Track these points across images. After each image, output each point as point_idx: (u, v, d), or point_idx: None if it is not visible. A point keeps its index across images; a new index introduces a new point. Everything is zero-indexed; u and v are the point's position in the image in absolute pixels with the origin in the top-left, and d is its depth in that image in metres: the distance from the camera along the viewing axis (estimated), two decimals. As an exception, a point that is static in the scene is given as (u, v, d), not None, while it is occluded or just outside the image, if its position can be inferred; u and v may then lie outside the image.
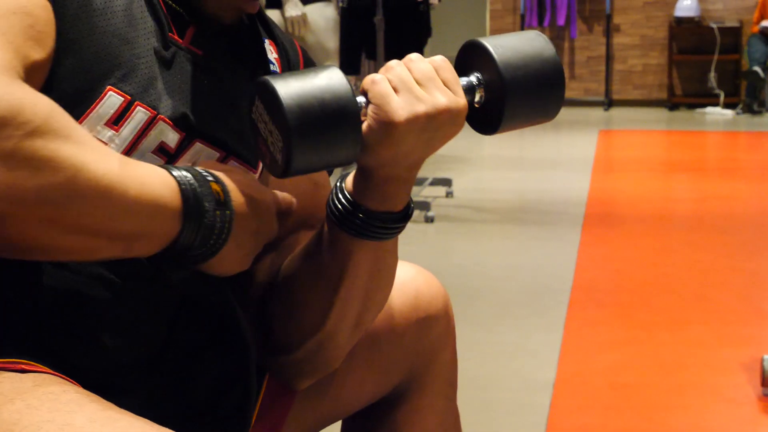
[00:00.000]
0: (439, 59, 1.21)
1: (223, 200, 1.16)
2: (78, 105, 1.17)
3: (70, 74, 1.17)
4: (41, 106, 1.02)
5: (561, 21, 12.30)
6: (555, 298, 4.25)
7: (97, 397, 1.11)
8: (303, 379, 1.40)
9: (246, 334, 1.35)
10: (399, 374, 1.48)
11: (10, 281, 1.13)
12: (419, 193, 6.42)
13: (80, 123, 1.16)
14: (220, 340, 1.33)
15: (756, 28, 11.59)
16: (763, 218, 6.03)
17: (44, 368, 1.14)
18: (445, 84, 1.19)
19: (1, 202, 0.98)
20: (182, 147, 1.26)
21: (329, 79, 1.13)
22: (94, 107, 1.19)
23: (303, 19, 5.97)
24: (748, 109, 11.51)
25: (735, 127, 10.84)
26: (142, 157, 1.22)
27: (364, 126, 1.16)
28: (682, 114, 11.78)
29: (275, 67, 1.41)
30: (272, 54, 1.42)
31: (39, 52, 1.12)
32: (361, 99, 1.17)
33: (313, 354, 1.35)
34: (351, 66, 6.33)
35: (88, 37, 1.19)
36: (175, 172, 1.14)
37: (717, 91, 11.94)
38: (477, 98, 1.23)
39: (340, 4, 6.28)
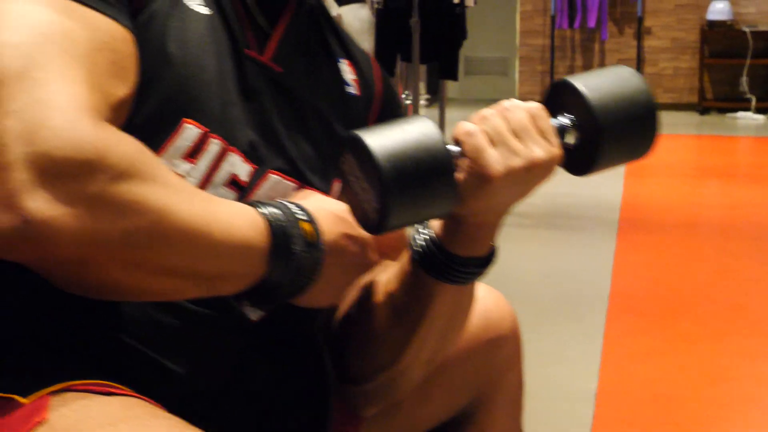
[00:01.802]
0: (536, 107, 1.18)
1: (313, 238, 1.14)
2: (156, 137, 1.16)
3: (149, 107, 1.16)
4: (127, 148, 1.00)
5: (592, 23, 12.23)
6: (592, 305, 4.23)
7: (183, 422, 1.10)
8: (371, 408, 1.40)
9: (326, 363, 1.34)
10: (467, 395, 1.47)
11: (92, 306, 1.11)
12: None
13: (158, 156, 1.14)
14: (296, 368, 1.32)
15: (789, 32, 11.54)
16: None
17: (130, 391, 1.13)
18: (540, 133, 1.16)
19: (86, 247, 0.97)
20: (255, 179, 1.25)
21: (423, 135, 1.11)
22: (171, 140, 1.18)
23: (338, 20, 5.96)
24: (780, 114, 11.46)
25: (767, 132, 10.76)
26: (215, 191, 1.21)
27: (459, 178, 1.13)
28: (712, 118, 11.71)
29: (353, 88, 1.40)
30: (350, 75, 1.41)
31: (123, 89, 1.10)
32: (454, 148, 1.14)
33: (384, 387, 1.35)
34: (386, 66, 6.30)
35: (166, 67, 1.18)
36: (264, 210, 1.12)
37: (749, 95, 11.86)
38: (570, 141, 1.21)
39: (375, 6, 6.26)
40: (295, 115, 1.30)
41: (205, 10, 1.24)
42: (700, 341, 3.85)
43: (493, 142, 1.14)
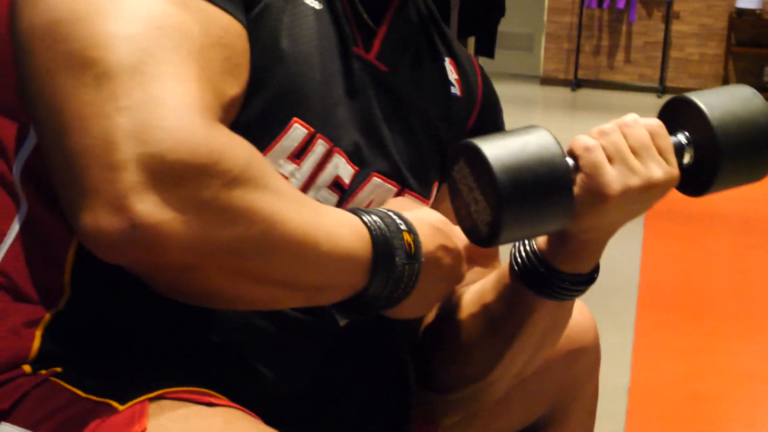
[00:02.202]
0: (656, 125, 1.15)
1: (413, 252, 1.12)
2: (264, 136, 1.14)
3: (258, 105, 1.13)
4: (240, 152, 0.97)
5: (621, 4, 12.15)
6: (622, 298, 4.20)
7: None
8: (452, 417, 1.39)
9: (409, 370, 1.32)
10: (545, 405, 1.46)
11: (187, 309, 1.08)
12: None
13: (264, 155, 1.11)
14: (378, 374, 1.31)
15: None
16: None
17: (229, 401, 1.11)
18: (659, 152, 1.13)
19: (194, 254, 0.94)
20: (357, 181, 1.23)
21: (542, 148, 1.07)
22: (279, 139, 1.15)
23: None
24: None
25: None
26: (317, 193, 1.19)
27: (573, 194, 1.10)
28: (736, 107, 11.64)
29: (455, 89, 1.37)
30: (452, 74, 1.38)
31: (235, 87, 1.06)
32: (569, 161, 1.11)
33: (469, 398, 1.35)
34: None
35: (277, 65, 1.15)
36: (367, 219, 1.10)
37: (774, 85, 11.82)
38: (686, 160, 1.18)
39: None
40: (399, 116, 1.28)
41: (316, 5, 1.21)
42: (732, 339, 3.84)
43: (611, 159, 1.11)
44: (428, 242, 1.15)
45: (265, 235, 0.98)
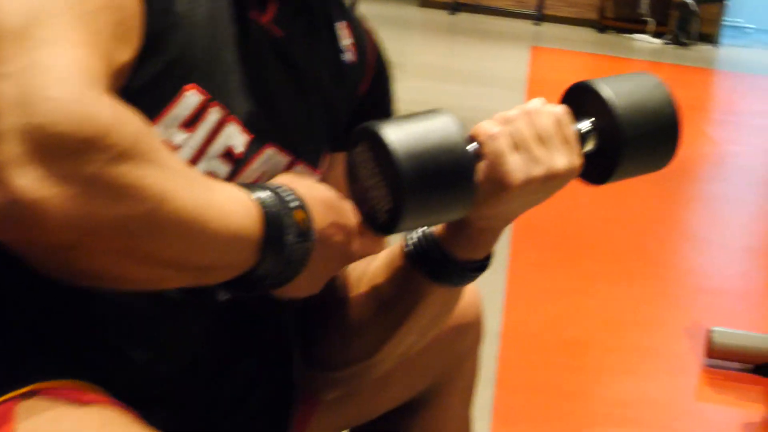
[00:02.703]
0: (561, 112, 1.13)
1: (305, 231, 1.09)
2: (154, 104, 1.09)
3: (150, 70, 1.08)
4: (130, 126, 0.93)
5: (502, -72, 12.19)
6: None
7: None
8: (333, 392, 1.37)
9: (291, 347, 1.30)
10: (426, 380, 1.46)
11: (58, 292, 1.04)
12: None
13: (154, 124, 1.07)
14: (259, 351, 1.28)
15: (693, -43, 11.61)
16: (687, 163, 6.04)
17: (104, 397, 1.07)
18: (563, 141, 1.12)
19: (77, 232, 0.90)
20: (251, 151, 1.18)
21: (446, 135, 1.04)
22: (171, 107, 1.10)
23: None
24: (676, 41, 11.57)
25: (661, 57, 10.88)
26: (209, 163, 1.15)
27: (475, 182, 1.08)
28: (610, 37, 11.79)
29: (349, 54, 1.33)
30: (346, 39, 1.33)
31: (126, 53, 1.02)
32: (472, 146, 1.08)
33: (353, 376, 1.33)
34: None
35: (172, 29, 1.10)
36: (260, 195, 1.06)
37: (647, 18, 11.96)
38: (588, 147, 1.16)
39: None
40: (294, 83, 1.24)
41: None
42: (603, 283, 3.90)
43: (515, 147, 1.09)
44: (320, 219, 1.12)
45: (153, 214, 0.93)
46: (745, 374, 3.16)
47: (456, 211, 1.08)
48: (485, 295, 3.52)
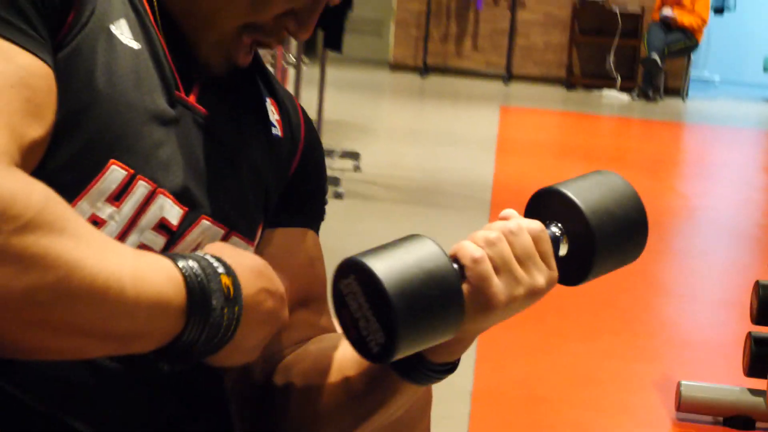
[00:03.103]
0: (539, 230, 1.13)
1: (232, 296, 1.08)
2: (78, 180, 1.09)
3: (71, 146, 1.08)
4: (35, 196, 0.92)
5: (468, -8, 12.31)
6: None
7: None
8: None
9: (234, 422, 1.29)
10: None
11: None
12: (329, 166, 6.36)
13: (80, 199, 1.08)
14: (204, 421, 1.26)
15: (657, 16, 11.73)
16: (656, 216, 6.05)
17: None
18: (542, 257, 1.12)
19: None
20: (186, 223, 1.18)
21: (434, 267, 1.05)
22: (96, 182, 1.10)
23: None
24: (644, 95, 11.67)
25: (629, 112, 10.98)
26: (141, 235, 1.14)
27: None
28: (579, 94, 11.89)
29: (276, 129, 1.33)
30: (274, 115, 1.34)
31: (37, 129, 1.02)
32: (455, 266, 1.09)
33: None
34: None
35: (92, 105, 1.10)
36: (182, 263, 1.04)
37: (614, 74, 12.08)
38: (562, 252, 1.16)
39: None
40: (223, 158, 1.25)
41: (134, 44, 1.16)
42: (572, 340, 3.90)
43: (497, 270, 1.10)
44: (249, 285, 1.11)
45: (62, 282, 0.92)
46: (716, 427, 3.16)
47: (446, 335, 1.08)
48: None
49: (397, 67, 12.44)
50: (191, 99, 1.22)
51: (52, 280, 0.92)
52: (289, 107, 1.38)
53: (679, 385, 3.20)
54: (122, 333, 1.00)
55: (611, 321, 4.17)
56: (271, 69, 6.94)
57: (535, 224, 1.14)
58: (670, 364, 3.63)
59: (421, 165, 7.01)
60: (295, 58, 6.44)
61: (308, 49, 10.84)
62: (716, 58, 14.04)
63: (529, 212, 1.18)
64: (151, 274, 1.01)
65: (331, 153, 6.58)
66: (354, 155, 6.61)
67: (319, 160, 1.41)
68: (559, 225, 1.16)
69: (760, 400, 3.10)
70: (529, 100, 11.10)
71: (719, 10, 13.68)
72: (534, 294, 1.11)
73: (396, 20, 12.53)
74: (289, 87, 6.58)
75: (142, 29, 1.17)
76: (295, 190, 1.35)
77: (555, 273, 1.14)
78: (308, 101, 7.60)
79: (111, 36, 1.13)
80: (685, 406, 3.18)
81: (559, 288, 3.98)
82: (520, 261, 1.11)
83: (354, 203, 5.75)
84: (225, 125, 1.26)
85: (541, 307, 3.98)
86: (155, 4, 1.20)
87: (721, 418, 3.17)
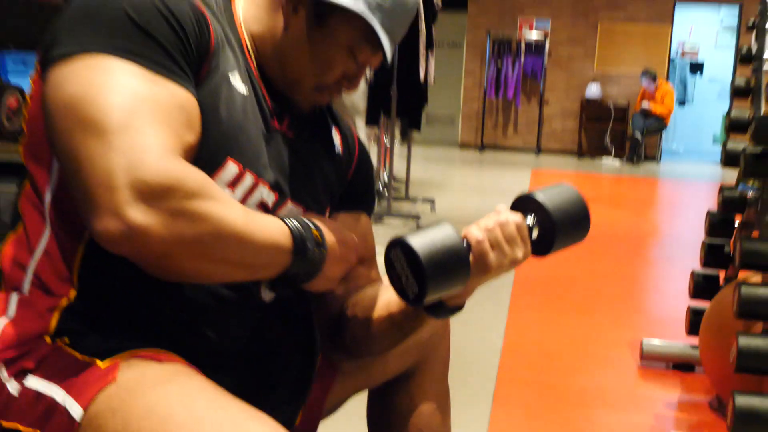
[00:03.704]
0: (519, 221, 1.16)
1: (320, 241, 1.12)
2: (209, 170, 1.10)
3: (206, 149, 1.10)
4: (195, 176, 0.97)
5: (510, 95, 12.24)
6: (500, 286, 4.17)
7: (213, 383, 1.05)
8: (350, 366, 1.36)
9: (315, 335, 1.30)
10: (411, 359, 1.42)
11: (152, 293, 1.07)
12: (413, 208, 6.35)
13: None
14: (295, 336, 1.28)
15: (638, 107, 11.54)
16: (637, 238, 5.97)
17: (176, 357, 1.08)
18: (521, 239, 1.15)
19: (168, 245, 0.94)
20: (278, 204, 1.20)
21: (451, 241, 1.08)
22: (219, 172, 1.12)
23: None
24: (630, 161, 11.47)
25: (620, 172, 10.76)
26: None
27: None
28: (586, 162, 11.71)
29: (338, 148, 1.36)
30: (337, 138, 1.36)
31: (191, 136, 1.05)
32: (465, 242, 1.12)
33: (368, 360, 1.35)
34: (373, 119, 6.24)
35: (217, 124, 1.12)
36: (288, 222, 1.09)
37: (610, 147, 11.89)
38: (534, 235, 1.18)
39: (368, 80, 6.20)
40: (302, 164, 1.26)
41: (243, 89, 1.18)
42: (571, 315, 3.82)
43: (492, 248, 1.13)
44: (330, 236, 1.15)
45: (217, 229, 0.97)
46: (667, 370, 3.07)
47: (457, 288, 1.12)
48: (491, 324, 3.51)
49: (463, 145, 12.42)
50: (283, 127, 1.24)
51: (210, 228, 0.96)
52: (348, 136, 1.39)
53: (641, 342, 3.12)
54: (253, 264, 1.04)
55: (599, 303, 4.07)
56: (374, 146, 7.00)
57: (517, 217, 1.16)
58: (636, 330, 3.54)
59: (477, 206, 6.97)
60: (391, 140, 6.47)
61: (402, 134, 10.92)
62: (680, 135, 13.75)
63: (514, 206, 1.20)
64: (270, 226, 1.05)
65: (415, 199, 6.56)
66: (431, 201, 6.59)
67: (368, 170, 1.41)
68: (533, 216, 1.17)
69: (696, 351, 3.01)
70: (552, 165, 10.97)
71: (682, 103, 13.42)
72: (515, 263, 1.14)
73: (462, 115, 12.53)
74: (393, 159, 6.60)
75: (249, 79, 1.19)
76: (353, 188, 1.37)
77: (528, 249, 1.16)
78: (400, 168, 7.65)
79: (229, 81, 1.15)
80: (646, 357, 3.10)
81: (564, 279, 3.99)
82: (507, 241, 1.14)
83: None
84: (304, 143, 1.27)
85: (552, 295, 3.95)
86: (256, 63, 1.22)
87: (671, 364, 3.08)
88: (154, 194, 0.92)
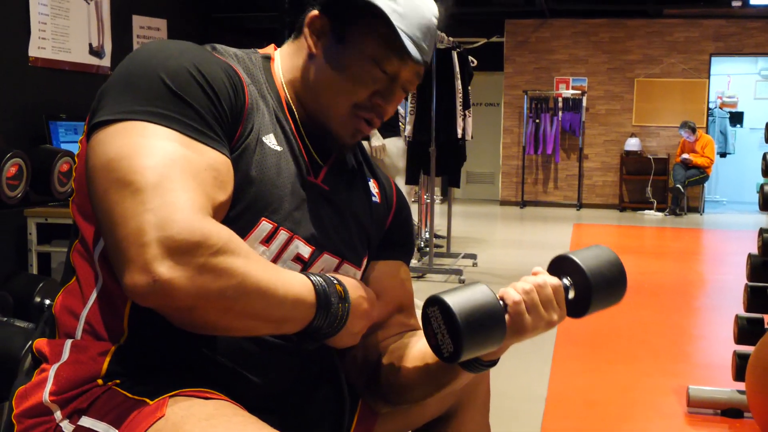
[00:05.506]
0: (557, 284, 1.15)
1: (343, 296, 1.13)
2: (244, 229, 1.13)
3: (238, 208, 1.13)
4: (222, 233, 0.99)
5: (549, 151, 12.22)
6: (543, 337, 4.13)
7: (256, 418, 1.07)
8: (387, 408, 1.37)
9: (342, 382, 1.31)
10: (452, 399, 1.42)
11: (194, 336, 1.09)
12: (455, 263, 6.35)
13: (244, 241, 1.11)
14: (326, 382, 1.30)
15: (678, 159, 11.43)
16: (682, 287, 5.87)
17: (221, 396, 1.11)
18: (557, 303, 1.15)
19: (194, 298, 0.96)
20: (314, 257, 1.23)
21: (488, 302, 1.08)
22: (253, 231, 1.15)
23: (383, 147, 5.97)
24: (673, 213, 11.32)
25: (663, 224, 10.61)
26: (284, 264, 1.18)
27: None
28: (628, 214, 11.58)
29: (376, 198, 1.37)
30: (374, 188, 1.38)
31: (222, 196, 1.07)
32: (502, 304, 1.12)
33: (405, 408, 1.36)
34: (413, 178, 6.30)
35: (250, 185, 1.15)
36: (311, 277, 1.11)
37: (652, 199, 11.75)
38: (570, 296, 1.17)
39: (407, 138, 6.28)
40: (339, 217, 1.28)
41: (278, 147, 1.20)
42: (617, 363, 3.76)
43: (528, 310, 1.13)
44: (353, 292, 1.16)
45: (241, 285, 0.99)
46: (715, 416, 3.00)
47: (492, 348, 1.11)
48: (536, 373, 3.47)
49: (503, 202, 12.38)
50: (319, 180, 1.26)
51: (234, 283, 0.98)
52: (386, 185, 1.41)
53: (688, 389, 3.07)
54: (276, 318, 1.05)
55: (644, 351, 4.00)
56: (415, 204, 7.03)
57: (554, 280, 1.15)
58: (683, 377, 3.47)
59: (519, 261, 6.93)
60: (432, 197, 6.51)
61: (443, 192, 10.96)
62: (723, 186, 13.56)
63: (551, 268, 1.19)
64: (293, 281, 1.07)
65: (456, 255, 6.55)
66: (473, 256, 6.57)
67: (407, 218, 1.43)
68: (570, 278, 1.16)
69: (744, 396, 2.95)
70: (593, 219, 10.87)
71: (723, 155, 13.26)
72: (550, 325, 1.14)
73: (502, 172, 12.52)
74: (434, 216, 6.62)
75: (285, 138, 1.22)
76: (391, 237, 1.38)
77: (564, 312, 1.16)
78: (441, 225, 7.66)
79: (263, 144, 1.18)
80: (693, 404, 3.04)
81: (608, 328, 3.97)
82: (543, 305, 1.13)
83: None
84: (340, 195, 1.29)
85: (595, 343, 3.92)
86: (297, 116, 1.25)
87: (719, 411, 3.02)
88: (181, 250, 0.94)
